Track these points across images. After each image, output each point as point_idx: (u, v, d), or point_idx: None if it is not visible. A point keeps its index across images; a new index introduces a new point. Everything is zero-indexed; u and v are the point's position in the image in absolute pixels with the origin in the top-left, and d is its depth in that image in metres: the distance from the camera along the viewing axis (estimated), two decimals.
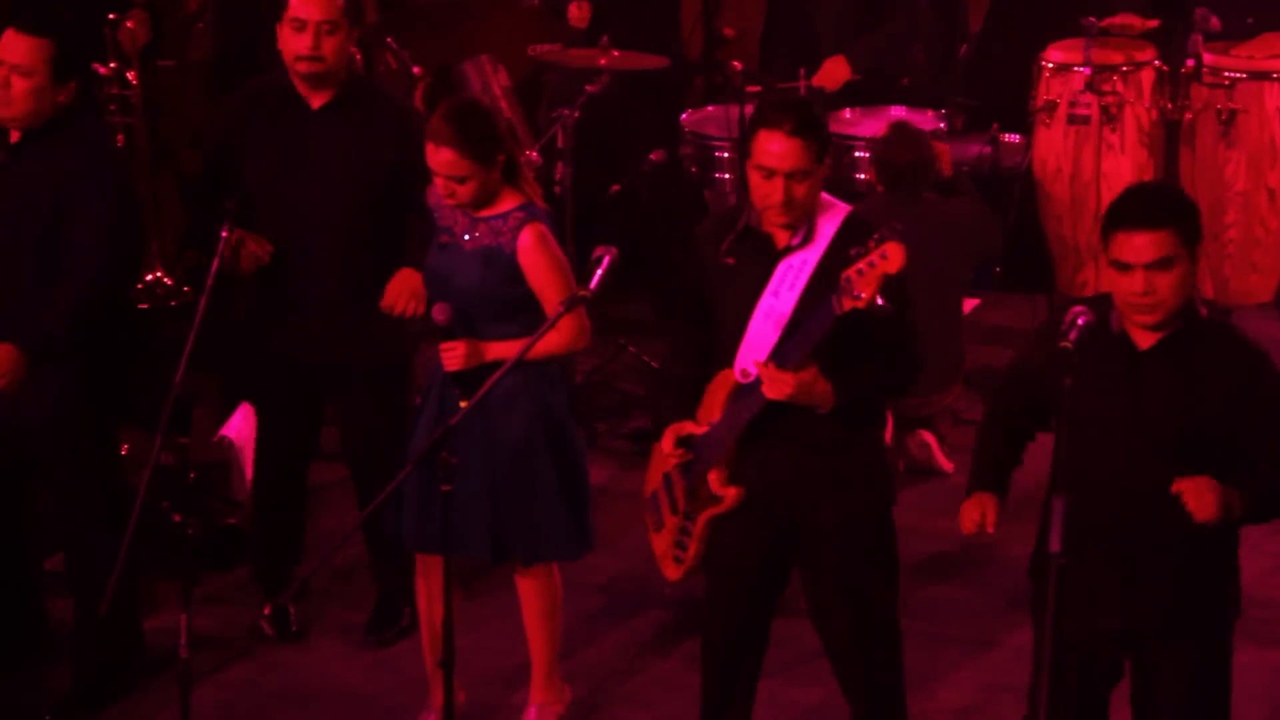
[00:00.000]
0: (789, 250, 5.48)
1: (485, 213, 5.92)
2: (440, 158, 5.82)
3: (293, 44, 6.49)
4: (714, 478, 5.63)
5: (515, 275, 5.88)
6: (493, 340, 5.89)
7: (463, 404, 5.71)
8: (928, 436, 8.14)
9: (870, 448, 5.67)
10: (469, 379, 5.81)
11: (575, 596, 7.03)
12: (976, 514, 5.20)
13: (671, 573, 5.87)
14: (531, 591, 6.19)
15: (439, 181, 5.87)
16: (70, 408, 6.23)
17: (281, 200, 6.55)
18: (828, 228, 5.49)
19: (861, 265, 5.16)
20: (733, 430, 5.54)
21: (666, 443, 5.67)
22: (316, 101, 6.58)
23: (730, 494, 5.60)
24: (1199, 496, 4.90)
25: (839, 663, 5.78)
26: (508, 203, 5.92)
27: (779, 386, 5.34)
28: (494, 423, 5.90)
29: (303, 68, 6.51)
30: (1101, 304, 5.01)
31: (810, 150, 5.37)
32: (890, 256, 5.13)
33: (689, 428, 5.65)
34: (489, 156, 5.83)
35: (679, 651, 6.75)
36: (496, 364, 5.69)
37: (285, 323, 6.66)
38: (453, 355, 5.87)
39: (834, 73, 8.90)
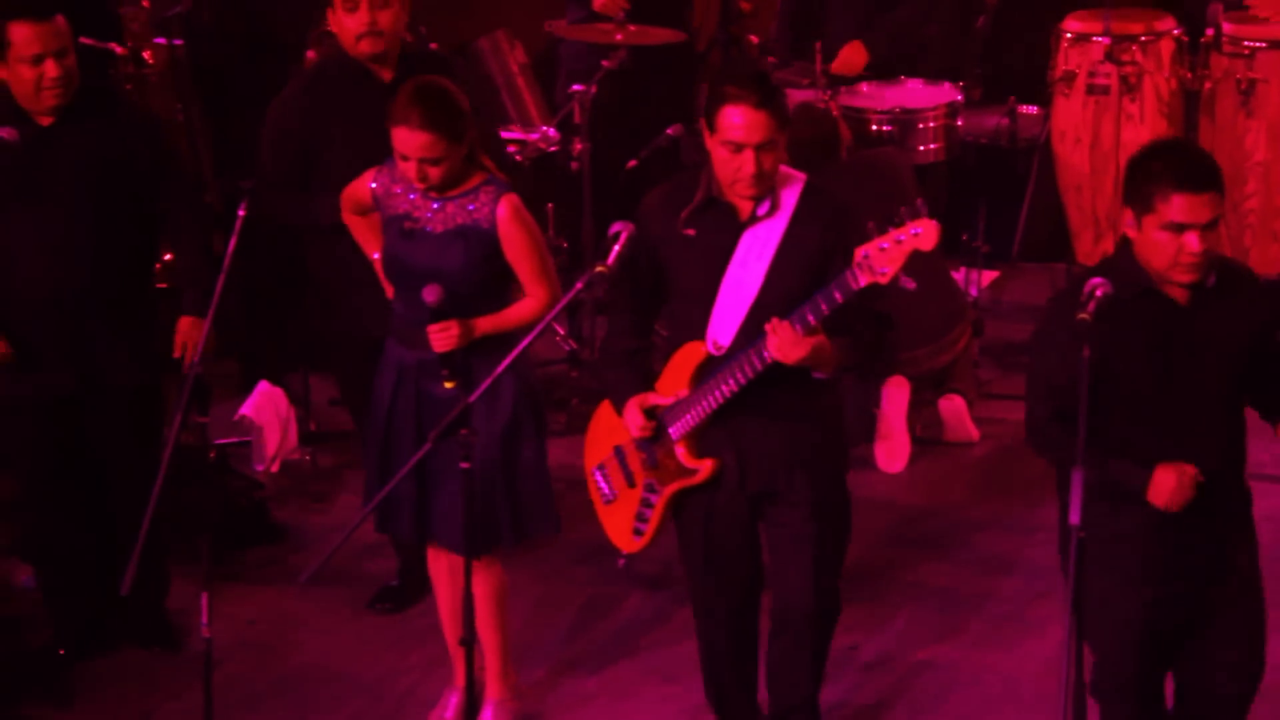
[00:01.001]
0: (754, 221, 5.50)
1: (451, 192, 5.84)
2: (416, 141, 5.72)
3: (349, 24, 6.53)
4: (684, 450, 5.63)
5: (495, 251, 5.82)
6: (475, 318, 5.84)
7: (448, 384, 5.68)
8: (959, 402, 8.11)
9: (832, 414, 5.71)
10: (455, 358, 5.76)
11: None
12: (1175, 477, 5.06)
13: (629, 545, 5.89)
14: (487, 581, 6.03)
15: (409, 166, 5.75)
16: (154, 369, 6.50)
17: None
18: (789, 197, 5.51)
19: (885, 241, 5.14)
20: (713, 401, 5.52)
21: (633, 415, 5.64)
22: (386, 75, 6.61)
23: (706, 466, 5.61)
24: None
25: (786, 628, 5.78)
26: (471, 178, 5.86)
27: (794, 349, 5.31)
28: (479, 405, 5.62)
29: (365, 46, 6.55)
30: (1120, 270, 5.01)
31: (775, 120, 5.40)
32: (924, 234, 5.11)
33: (653, 399, 5.64)
34: (461, 135, 5.77)
35: (676, 654, 6.72)
36: (482, 342, 5.74)
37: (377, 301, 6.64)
38: (445, 336, 5.77)
39: (852, 59, 8.89)
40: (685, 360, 5.58)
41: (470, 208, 5.82)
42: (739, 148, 5.38)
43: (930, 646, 6.71)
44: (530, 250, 5.85)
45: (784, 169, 5.54)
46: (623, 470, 5.82)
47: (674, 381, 5.62)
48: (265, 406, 7.86)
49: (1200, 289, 5.03)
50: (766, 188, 5.46)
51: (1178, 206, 4.91)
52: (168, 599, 6.76)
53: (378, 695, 6.50)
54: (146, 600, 6.63)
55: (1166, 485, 4.99)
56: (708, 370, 5.53)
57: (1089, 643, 5.16)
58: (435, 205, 5.85)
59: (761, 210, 5.49)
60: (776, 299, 5.42)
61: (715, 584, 5.82)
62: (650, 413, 5.63)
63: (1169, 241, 4.94)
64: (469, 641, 5.33)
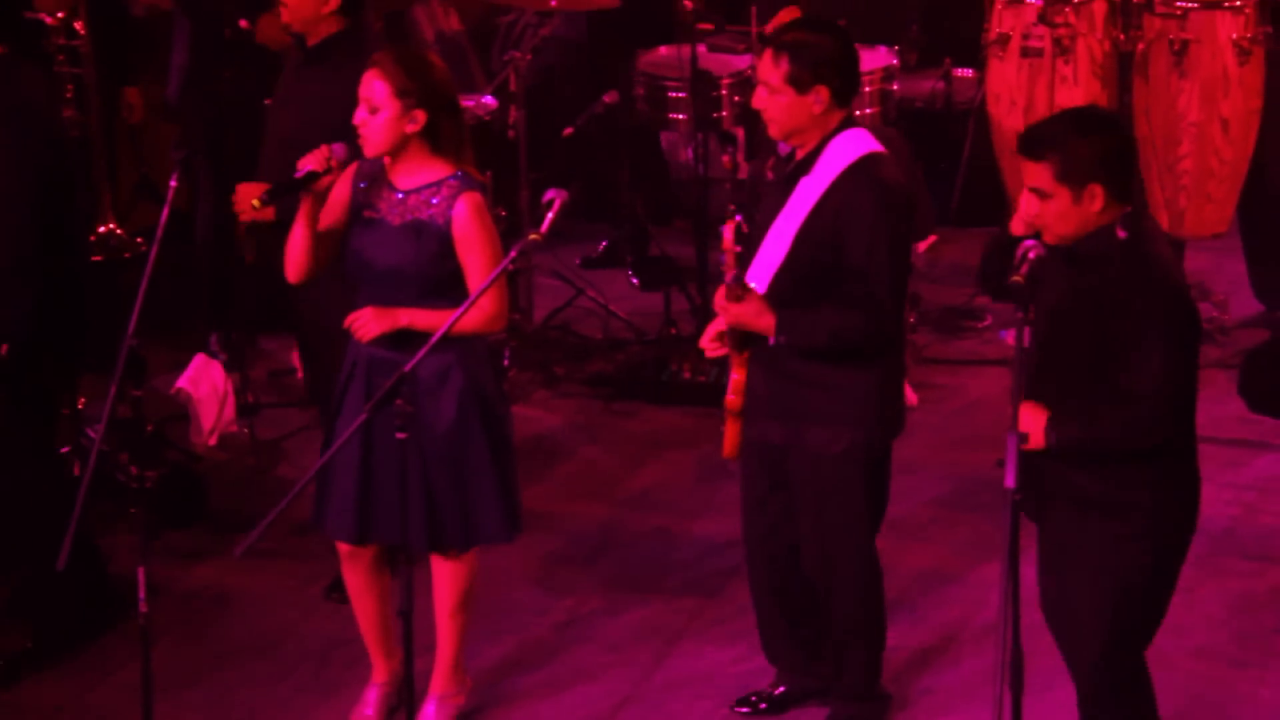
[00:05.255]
0: (799, 172, 5.63)
1: (412, 183, 5.69)
2: (367, 80, 5.61)
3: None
4: (734, 381, 5.80)
5: (447, 249, 5.65)
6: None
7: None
8: None
9: (856, 387, 5.71)
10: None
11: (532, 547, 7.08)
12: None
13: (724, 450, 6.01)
14: (452, 578, 5.92)
15: (359, 109, 5.63)
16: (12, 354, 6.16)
17: (272, 144, 6.52)
18: (837, 162, 5.61)
19: None
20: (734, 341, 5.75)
21: (707, 333, 5.85)
22: (308, 46, 6.56)
23: (730, 403, 5.81)
24: (1029, 422, 5.00)
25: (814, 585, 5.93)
26: (436, 171, 5.69)
27: (722, 312, 5.60)
28: (423, 403, 5.58)
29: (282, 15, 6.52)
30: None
31: (778, 68, 5.58)
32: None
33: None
34: (410, 101, 5.59)
35: (617, 624, 6.75)
36: (415, 333, 5.54)
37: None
38: (363, 325, 5.65)
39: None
40: None
41: (431, 202, 5.67)
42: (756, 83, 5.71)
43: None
44: (482, 252, 5.66)
45: (855, 134, 5.64)
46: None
47: None
48: (202, 379, 7.82)
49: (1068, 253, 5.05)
50: (776, 132, 5.65)
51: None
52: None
53: (320, 667, 6.49)
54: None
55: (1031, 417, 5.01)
56: None
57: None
58: (398, 196, 5.70)
59: (799, 157, 5.65)
60: (797, 261, 5.61)
61: (747, 519, 5.98)
62: (721, 336, 5.81)
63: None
64: (408, 613, 5.28)
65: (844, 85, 5.64)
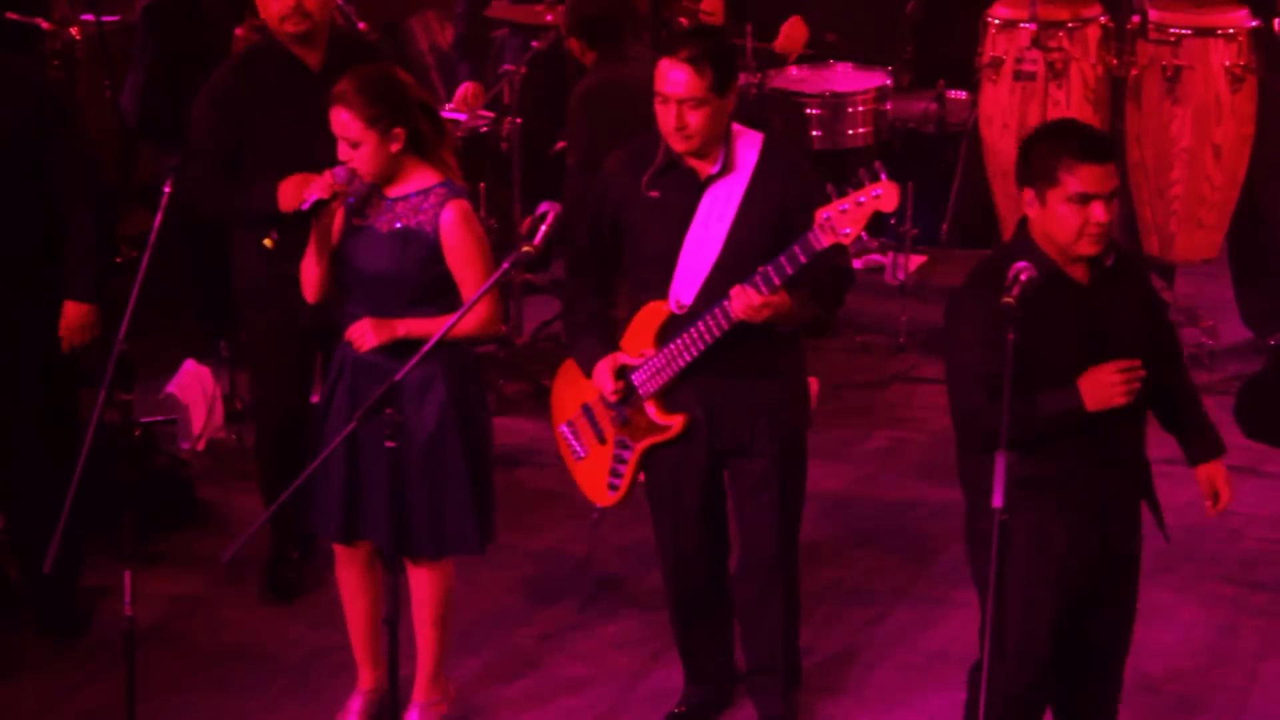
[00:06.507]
0: (711, 180, 5.59)
1: (400, 191, 5.74)
2: (337, 117, 5.63)
3: (274, 5, 6.39)
4: (654, 408, 5.73)
5: (435, 256, 5.69)
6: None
7: (267, 242, 5.63)
8: None
9: (795, 371, 5.84)
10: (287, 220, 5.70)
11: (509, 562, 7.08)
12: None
13: (604, 500, 5.97)
14: (429, 588, 5.95)
15: (340, 147, 5.67)
16: (26, 348, 6.31)
17: (298, 165, 6.34)
18: (748, 156, 5.61)
19: (845, 203, 5.26)
20: (680, 360, 5.64)
21: (604, 377, 5.74)
22: (314, 61, 6.48)
23: (678, 422, 5.73)
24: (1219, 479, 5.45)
25: (752, 575, 5.92)
26: (423, 179, 5.74)
27: (760, 311, 5.45)
28: (406, 410, 5.59)
29: (289, 26, 6.40)
30: (1022, 255, 5.06)
31: (703, 79, 5.50)
32: (885, 195, 5.23)
33: (621, 359, 5.75)
34: (385, 125, 5.62)
35: (600, 636, 6.75)
36: (409, 343, 5.56)
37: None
38: (361, 336, 5.70)
39: (794, 35, 8.90)
40: (649, 320, 5.70)
41: (418, 209, 5.71)
42: (665, 100, 5.53)
43: (856, 628, 6.74)
44: (472, 259, 5.70)
45: (740, 128, 5.64)
46: (593, 428, 5.91)
47: (638, 341, 5.74)
48: (191, 385, 7.84)
49: (1100, 268, 5.10)
50: (699, 145, 5.56)
51: (1083, 177, 4.99)
52: (85, 580, 6.72)
53: (301, 676, 6.49)
54: (57, 586, 6.57)
55: (1096, 385, 5.00)
56: (671, 329, 5.66)
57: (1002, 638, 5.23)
58: (386, 203, 5.74)
59: (714, 169, 5.60)
60: (738, 257, 5.55)
61: (682, 538, 5.93)
62: (619, 372, 5.75)
63: (1074, 214, 5.01)
64: (393, 620, 5.29)
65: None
